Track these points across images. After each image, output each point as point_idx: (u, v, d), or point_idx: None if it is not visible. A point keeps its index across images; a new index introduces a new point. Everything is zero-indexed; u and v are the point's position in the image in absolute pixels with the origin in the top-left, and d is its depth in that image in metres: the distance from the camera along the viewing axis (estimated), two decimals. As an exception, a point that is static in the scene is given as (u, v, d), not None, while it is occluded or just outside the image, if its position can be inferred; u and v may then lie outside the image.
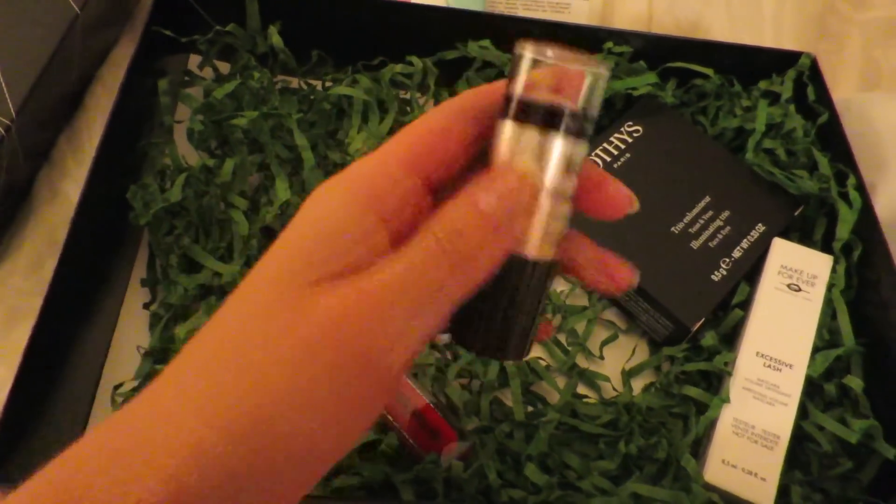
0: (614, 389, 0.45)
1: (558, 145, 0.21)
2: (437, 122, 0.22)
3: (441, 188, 0.22)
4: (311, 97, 0.52)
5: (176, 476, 0.17)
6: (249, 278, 0.20)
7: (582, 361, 0.46)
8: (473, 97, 0.23)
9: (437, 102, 0.54)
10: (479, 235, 0.20)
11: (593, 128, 0.22)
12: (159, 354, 0.42)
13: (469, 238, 0.20)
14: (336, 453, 0.20)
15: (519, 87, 0.21)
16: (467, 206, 0.20)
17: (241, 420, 0.18)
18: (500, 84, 0.23)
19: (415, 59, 0.53)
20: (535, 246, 0.21)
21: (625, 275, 0.24)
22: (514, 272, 0.22)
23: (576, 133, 0.21)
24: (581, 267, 0.24)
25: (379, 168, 0.21)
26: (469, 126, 0.22)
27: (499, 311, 0.22)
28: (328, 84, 0.54)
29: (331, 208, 0.20)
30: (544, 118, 0.21)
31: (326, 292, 0.19)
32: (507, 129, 0.21)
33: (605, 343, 0.46)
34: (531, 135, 0.21)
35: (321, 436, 0.19)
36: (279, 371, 0.18)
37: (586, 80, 0.21)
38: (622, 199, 0.23)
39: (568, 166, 0.21)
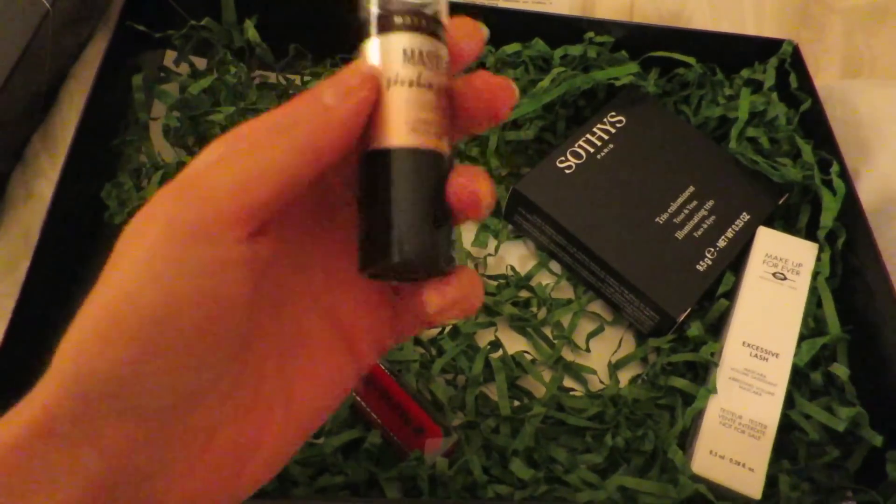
0: (601, 382, 0.44)
1: (395, 40, 0.22)
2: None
3: None
4: (290, 92, 0.51)
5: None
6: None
7: (568, 354, 0.46)
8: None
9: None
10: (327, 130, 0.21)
11: (441, 27, 0.23)
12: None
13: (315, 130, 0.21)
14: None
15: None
16: (313, 101, 0.21)
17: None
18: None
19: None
20: (399, 135, 0.21)
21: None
22: (379, 165, 0.22)
23: (414, 28, 0.22)
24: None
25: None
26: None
27: (381, 211, 0.21)
28: (307, 78, 0.53)
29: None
30: (379, 24, 0.22)
31: None
32: (358, 51, 0.23)
33: (590, 336, 0.46)
34: (371, 41, 0.22)
35: None
36: None
37: None
38: (496, 87, 0.23)
39: (414, 58, 0.22)
